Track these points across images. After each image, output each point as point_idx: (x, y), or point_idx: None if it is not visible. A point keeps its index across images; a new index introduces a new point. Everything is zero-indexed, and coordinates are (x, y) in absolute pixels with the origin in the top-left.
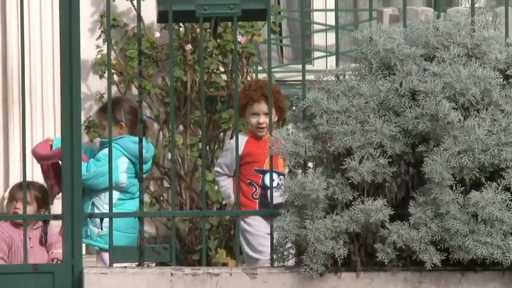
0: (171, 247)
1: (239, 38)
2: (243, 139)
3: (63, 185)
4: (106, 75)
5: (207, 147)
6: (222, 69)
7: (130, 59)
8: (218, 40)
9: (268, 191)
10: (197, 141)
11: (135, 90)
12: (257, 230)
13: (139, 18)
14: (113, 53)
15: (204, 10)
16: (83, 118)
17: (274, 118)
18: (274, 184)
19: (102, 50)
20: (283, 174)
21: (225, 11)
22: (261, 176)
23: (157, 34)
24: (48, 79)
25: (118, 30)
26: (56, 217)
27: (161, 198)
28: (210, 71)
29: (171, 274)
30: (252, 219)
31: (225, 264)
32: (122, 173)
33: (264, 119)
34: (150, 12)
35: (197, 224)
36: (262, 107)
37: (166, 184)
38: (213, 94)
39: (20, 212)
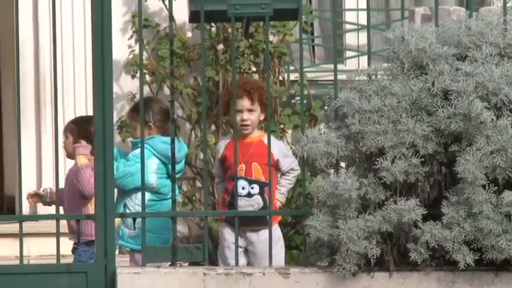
0: (204, 247)
1: (271, 38)
2: (223, 142)
3: (96, 185)
4: (138, 75)
5: None
6: (253, 69)
7: (162, 59)
8: (250, 40)
9: (239, 201)
10: None
11: (167, 90)
12: (223, 239)
13: (171, 18)
14: (144, 53)
15: (235, 10)
16: (115, 118)
17: (260, 116)
18: (244, 193)
19: (134, 50)
20: (258, 182)
21: (257, 10)
22: (232, 183)
23: (189, 34)
24: (80, 80)
25: (150, 30)
26: (88, 217)
27: (194, 198)
28: (241, 70)
29: (204, 274)
30: (223, 227)
31: None
32: (151, 174)
33: (247, 116)
34: (181, 12)
35: None
36: (245, 103)
37: (198, 184)
38: None
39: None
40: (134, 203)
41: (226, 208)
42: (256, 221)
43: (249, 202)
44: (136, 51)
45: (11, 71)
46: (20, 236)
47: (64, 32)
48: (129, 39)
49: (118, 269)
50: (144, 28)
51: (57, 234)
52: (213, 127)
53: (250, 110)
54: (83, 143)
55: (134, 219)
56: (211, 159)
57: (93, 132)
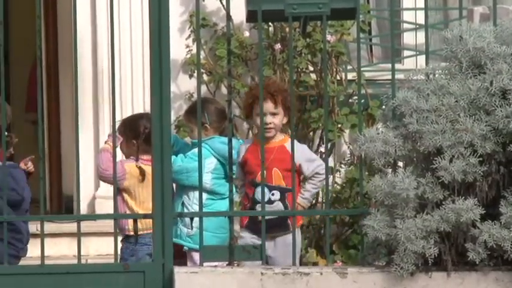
0: (261, 246)
1: (328, 37)
2: (245, 146)
3: (154, 184)
4: (195, 74)
5: None
6: (311, 68)
7: (220, 59)
8: (307, 39)
9: (257, 206)
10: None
11: (224, 90)
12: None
13: (228, 17)
14: (202, 52)
15: (293, 9)
16: (172, 118)
17: (283, 120)
18: (265, 199)
19: (191, 50)
20: (279, 188)
21: (314, 10)
22: (253, 188)
23: (247, 33)
24: (138, 79)
25: (207, 30)
26: (146, 216)
27: None
28: (299, 70)
29: (261, 273)
30: (243, 232)
31: (315, 264)
32: (206, 173)
33: (270, 119)
34: (239, 12)
35: None
36: (269, 106)
37: None
38: (303, 93)
39: None
40: (192, 202)
41: (246, 216)
42: (275, 227)
43: (270, 209)
44: (194, 51)
45: (68, 69)
46: (78, 235)
47: (122, 31)
48: (186, 38)
49: (175, 268)
50: (202, 28)
51: (115, 234)
52: None
53: (273, 114)
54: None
55: (192, 219)
56: None
57: (142, 131)
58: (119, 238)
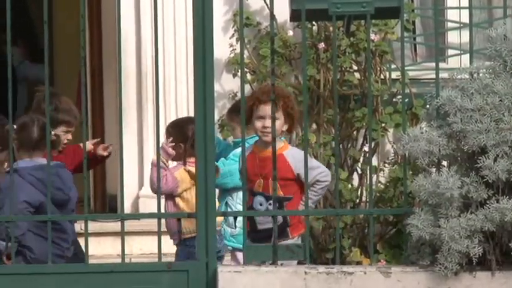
0: (305, 246)
1: (372, 36)
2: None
3: (197, 183)
4: (239, 74)
5: (340, 146)
6: (355, 67)
7: (263, 58)
8: (351, 38)
9: (256, 217)
10: (330, 139)
11: None
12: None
13: (272, 16)
14: (246, 51)
15: (337, 8)
16: (216, 117)
17: (284, 126)
18: (262, 209)
19: (235, 49)
20: (277, 198)
21: (358, 9)
22: (252, 197)
23: (291, 33)
24: (181, 78)
25: (251, 29)
26: (189, 215)
27: None
28: (343, 69)
29: (305, 273)
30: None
31: (359, 263)
32: None
33: (269, 123)
34: (283, 11)
35: (331, 222)
36: (269, 109)
37: None
38: (346, 92)
39: None
40: (236, 202)
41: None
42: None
43: (268, 218)
44: (238, 50)
45: (113, 68)
46: (122, 234)
47: (166, 31)
48: (230, 38)
49: (219, 268)
50: (246, 27)
51: (159, 233)
52: (314, 126)
53: (273, 119)
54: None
55: (235, 218)
56: (313, 158)
57: (190, 135)
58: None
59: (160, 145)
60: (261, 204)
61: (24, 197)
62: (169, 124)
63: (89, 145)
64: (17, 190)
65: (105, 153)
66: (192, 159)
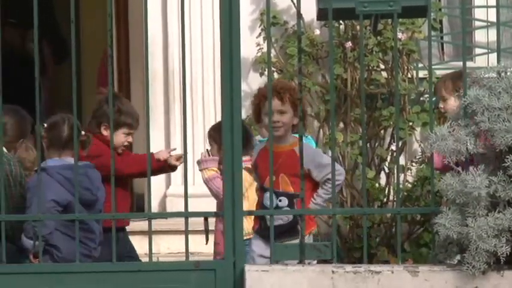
0: (332, 245)
1: (399, 35)
2: (258, 148)
3: (224, 182)
4: (266, 73)
5: (368, 145)
6: (382, 66)
7: (290, 57)
8: (378, 37)
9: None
10: (357, 138)
11: None
12: (251, 250)
13: (299, 15)
14: (273, 50)
15: (364, 7)
16: (243, 116)
17: (294, 120)
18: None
19: (262, 48)
20: (286, 194)
21: (385, 8)
22: (262, 193)
23: (317, 31)
24: (208, 77)
25: (278, 28)
26: (216, 214)
27: None
28: (370, 68)
29: (332, 272)
30: (253, 243)
31: (386, 262)
32: None
33: (278, 117)
34: (310, 10)
35: (358, 221)
36: (275, 103)
37: None
38: (374, 91)
39: None
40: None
41: (256, 220)
42: (284, 233)
43: (277, 215)
44: (265, 49)
45: (139, 67)
46: (149, 233)
47: (193, 29)
48: (257, 37)
49: (246, 267)
50: (272, 26)
51: (186, 232)
52: (341, 125)
53: (281, 112)
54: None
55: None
56: (340, 157)
57: None
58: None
59: (203, 157)
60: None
61: (52, 196)
62: (211, 128)
63: (165, 153)
64: (45, 189)
65: (178, 163)
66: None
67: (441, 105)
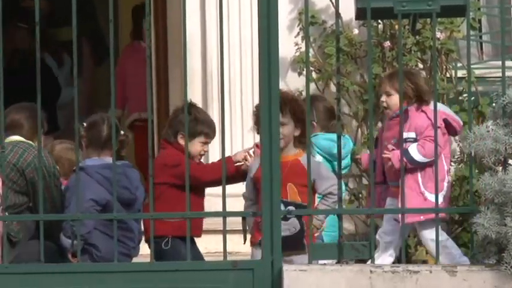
0: (370, 244)
1: (438, 35)
2: (257, 161)
3: (262, 183)
4: (304, 72)
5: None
6: (420, 65)
7: (329, 56)
8: (417, 37)
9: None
10: None
11: (333, 88)
12: None
13: (337, 15)
14: (311, 50)
15: (402, 7)
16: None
17: (295, 132)
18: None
19: (300, 48)
20: (294, 204)
21: (424, 7)
22: None
23: (356, 31)
24: (247, 77)
25: (316, 28)
26: (254, 214)
27: (360, 195)
28: (408, 67)
29: (370, 271)
30: (255, 249)
31: (424, 262)
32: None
33: (280, 129)
34: (348, 9)
35: None
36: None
37: (365, 181)
38: None
39: None
40: None
41: (259, 233)
42: (290, 246)
43: (285, 226)
44: (303, 49)
45: (178, 66)
46: (188, 233)
47: (231, 29)
48: (295, 36)
49: (284, 266)
50: (311, 25)
51: (224, 232)
52: (379, 124)
53: (281, 124)
54: None
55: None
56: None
57: None
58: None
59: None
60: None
61: (91, 195)
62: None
63: (243, 154)
64: (84, 188)
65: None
66: None
67: (383, 99)
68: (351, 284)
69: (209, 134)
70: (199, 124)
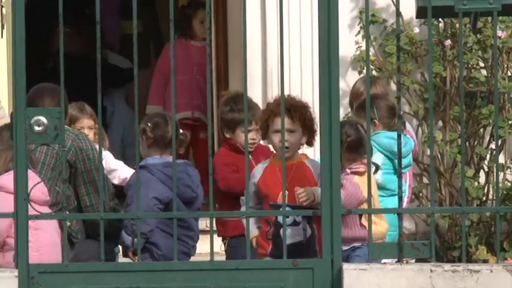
0: (431, 243)
1: (499, 33)
2: (261, 167)
3: (322, 181)
4: (365, 71)
5: (467, 143)
6: (481, 64)
7: (389, 55)
8: (478, 35)
9: (282, 230)
10: (456, 137)
11: (393, 86)
12: None
13: (398, 13)
14: (371, 48)
15: (463, 5)
16: (341, 114)
17: (302, 139)
18: (289, 221)
19: (361, 46)
20: (302, 208)
21: (485, 6)
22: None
23: (417, 30)
24: (307, 76)
25: (377, 26)
26: (314, 213)
27: (420, 194)
28: (469, 66)
29: (431, 270)
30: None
31: (485, 261)
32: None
33: (287, 137)
34: (409, 8)
35: (457, 220)
36: (285, 122)
37: (425, 180)
38: (473, 90)
39: None
40: None
41: (268, 242)
42: (303, 252)
43: (296, 231)
44: (363, 47)
45: (238, 65)
46: (247, 232)
47: (291, 27)
48: (356, 35)
49: (344, 265)
50: (371, 24)
51: (284, 230)
52: (440, 123)
53: (290, 131)
54: None
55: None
56: (438, 156)
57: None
58: None
59: None
60: (287, 217)
61: (154, 193)
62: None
63: None
64: (146, 187)
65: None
66: (354, 165)
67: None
68: (411, 283)
69: (250, 121)
70: (236, 113)
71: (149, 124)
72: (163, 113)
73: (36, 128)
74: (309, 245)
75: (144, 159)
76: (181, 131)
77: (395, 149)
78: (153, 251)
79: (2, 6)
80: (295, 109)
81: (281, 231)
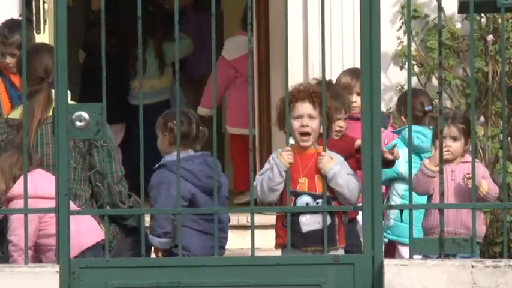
0: (472, 239)
1: None
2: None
3: (363, 176)
4: (406, 66)
5: (508, 139)
6: None
7: (431, 50)
8: None
9: (300, 218)
10: (498, 132)
11: (435, 81)
12: None
13: (440, 8)
14: (413, 44)
15: (505, 0)
16: (383, 109)
17: (321, 128)
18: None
19: (402, 41)
20: (323, 197)
21: None
22: (293, 198)
23: (459, 25)
24: None
25: (419, 21)
26: (355, 208)
27: None
28: (511, 61)
29: (472, 266)
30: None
31: None
32: (401, 163)
33: (307, 121)
34: (451, 3)
35: (498, 215)
36: (306, 107)
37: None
38: None
39: None
40: (392, 194)
41: (284, 230)
42: (322, 241)
43: (315, 219)
44: (405, 43)
45: (279, 60)
46: (288, 227)
47: (333, 24)
48: (397, 30)
49: (385, 261)
50: (413, 19)
51: (324, 225)
52: (482, 118)
53: (311, 116)
54: None
55: (401, 211)
56: (480, 151)
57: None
58: None
59: None
60: (307, 204)
61: (176, 191)
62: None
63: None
64: (168, 185)
65: (391, 157)
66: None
67: (354, 99)
68: (453, 279)
69: (337, 109)
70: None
71: (174, 122)
72: (186, 110)
73: (78, 124)
74: (329, 234)
75: (162, 158)
76: (200, 128)
77: (417, 143)
78: (182, 254)
79: (44, 2)
80: (316, 95)
81: (299, 218)
